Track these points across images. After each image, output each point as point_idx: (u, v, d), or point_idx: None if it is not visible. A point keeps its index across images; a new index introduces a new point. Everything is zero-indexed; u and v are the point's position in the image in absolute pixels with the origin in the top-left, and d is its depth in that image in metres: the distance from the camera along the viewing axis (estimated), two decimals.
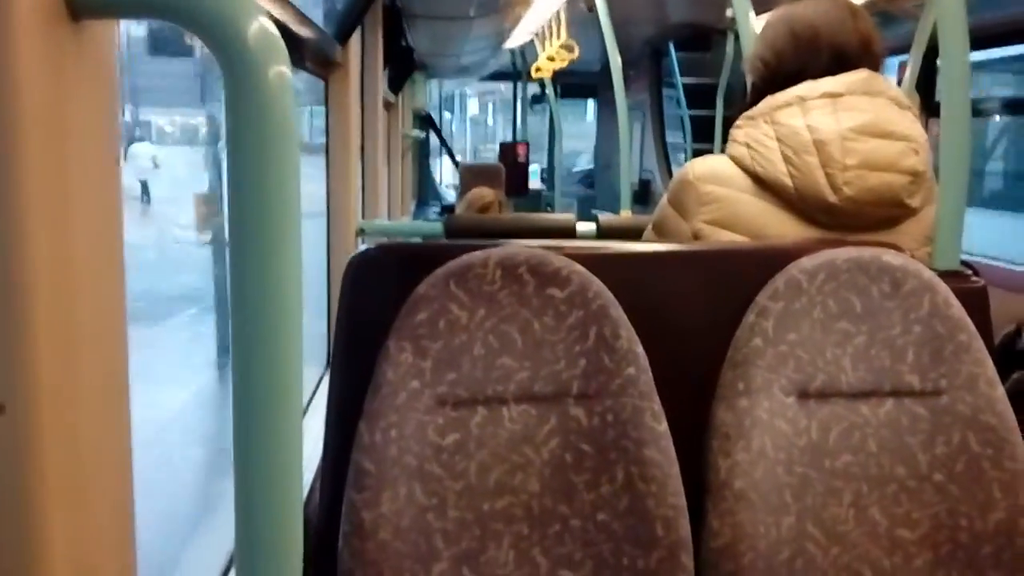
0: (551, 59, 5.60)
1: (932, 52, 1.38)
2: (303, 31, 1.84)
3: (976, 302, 1.15)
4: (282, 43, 0.51)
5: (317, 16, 2.41)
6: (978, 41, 1.49)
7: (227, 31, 0.49)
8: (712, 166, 1.33)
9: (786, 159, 1.24)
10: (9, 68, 0.45)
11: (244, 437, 0.50)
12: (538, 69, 6.14)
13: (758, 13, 2.11)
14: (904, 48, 3.25)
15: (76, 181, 0.51)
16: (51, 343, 0.48)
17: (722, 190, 1.29)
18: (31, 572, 0.47)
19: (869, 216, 1.25)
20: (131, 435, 0.59)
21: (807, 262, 1.11)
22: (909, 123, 1.27)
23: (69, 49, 0.51)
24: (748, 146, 1.29)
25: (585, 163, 12.02)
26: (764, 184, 1.27)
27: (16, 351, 0.46)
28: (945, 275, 1.15)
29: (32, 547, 0.47)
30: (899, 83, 3.36)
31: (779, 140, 1.26)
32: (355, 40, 2.49)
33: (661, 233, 1.39)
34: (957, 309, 1.11)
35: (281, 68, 0.50)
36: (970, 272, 1.30)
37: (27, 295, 0.46)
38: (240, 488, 0.51)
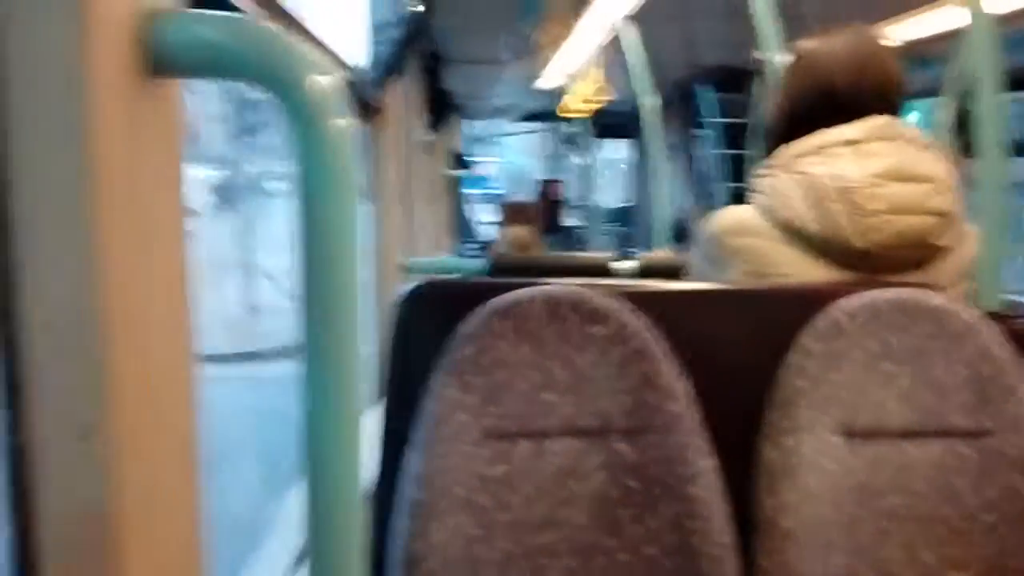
0: (587, 100, 5.67)
1: (964, 95, 1.39)
2: (346, 79, 1.90)
3: (1020, 343, 1.15)
4: (341, 96, 0.54)
5: (361, 63, 2.48)
6: (1011, 84, 1.50)
7: (293, 88, 0.52)
8: (738, 218, 1.34)
9: (810, 207, 1.25)
10: (91, 121, 0.49)
11: (313, 470, 0.54)
12: (569, 110, 6.22)
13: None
14: (936, 90, 3.26)
15: (149, 230, 0.55)
16: (127, 376, 0.51)
17: (751, 241, 1.30)
18: None
19: (896, 259, 1.25)
20: (197, 456, 0.63)
21: (847, 303, 1.12)
22: (931, 163, 1.26)
23: (144, 106, 0.54)
24: (772, 195, 1.30)
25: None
26: (791, 231, 1.28)
27: (97, 386, 0.49)
28: (990, 316, 1.16)
29: (114, 566, 0.50)
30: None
31: (802, 188, 1.26)
32: (396, 85, 2.56)
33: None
34: (1001, 349, 1.11)
35: (342, 120, 0.53)
36: (1013, 313, 1.30)
37: (106, 337, 0.50)
38: (311, 512, 0.55)
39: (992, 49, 1.34)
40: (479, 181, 9.95)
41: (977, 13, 1.33)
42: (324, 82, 0.53)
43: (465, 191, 10.75)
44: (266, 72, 0.53)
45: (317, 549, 0.55)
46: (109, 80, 0.50)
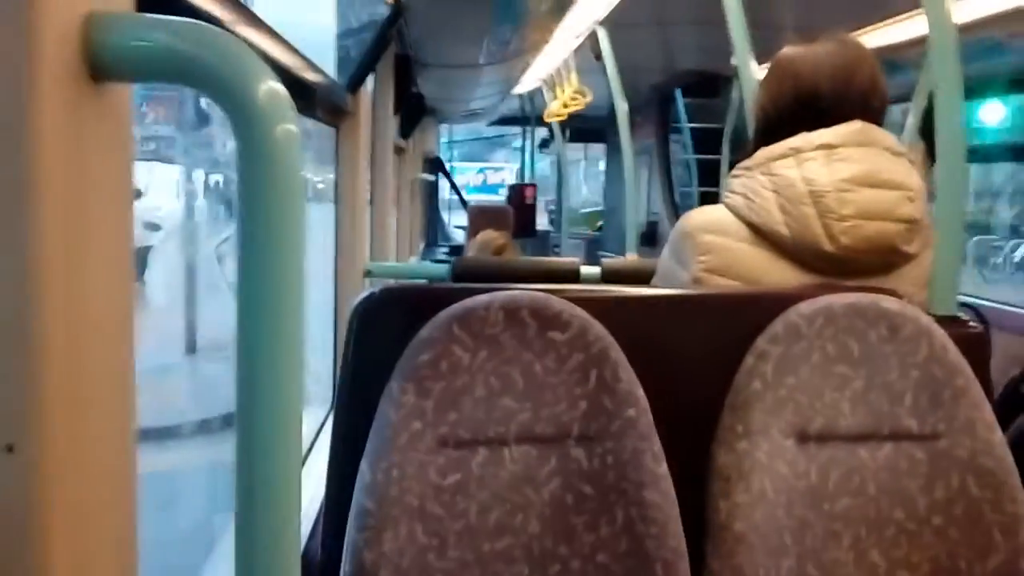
0: (565, 105, 5.69)
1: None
2: (313, 81, 1.89)
3: (974, 347, 1.17)
4: (289, 102, 0.54)
5: (329, 65, 2.47)
6: (971, 91, 1.52)
7: (237, 93, 0.52)
8: (709, 216, 1.35)
9: (782, 209, 1.27)
10: (32, 126, 0.48)
11: (245, 480, 0.52)
12: (552, 115, 6.23)
13: (760, 61, 2.16)
14: (907, 96, 3.30)
15: (92, 237, 0.54)
16: (59, 388, 0.50)
17: (719, 239, 1.31)
18: None
19: (865, 263, 1.27)
20: (136, 474, 0.61)
21: (805, 307, 1.13)
22: (904, 171, 1.29)
23: (89, 110, 0.54)
24: (745, 196, 1.31)
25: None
26: (761, 233, 1.29)
27: (25, 396, 0.48)
28: (943, 320, 1.17)
29: None
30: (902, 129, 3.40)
31: (775, 191, 1.28)
32: (366, 88, 2.55)
33: (663, 284, 1.41)
34: (954, 354, 1.12)
35: (288, 126, 0.53)
36: (968, 317, 1.32)
37: (40, 346, 0.49)
38: (240, 529, 0.53)
39: (953, 56, 1.35)
40: (455, 185, 9.91)
41: (937, 20, 1.35)
42: (270, 88, 0.52)
43: (443, 196, 10.74)
44: (211, 77, 0.53)
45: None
46: (51, 84, 0.49)
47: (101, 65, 0.53)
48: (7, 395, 0.48)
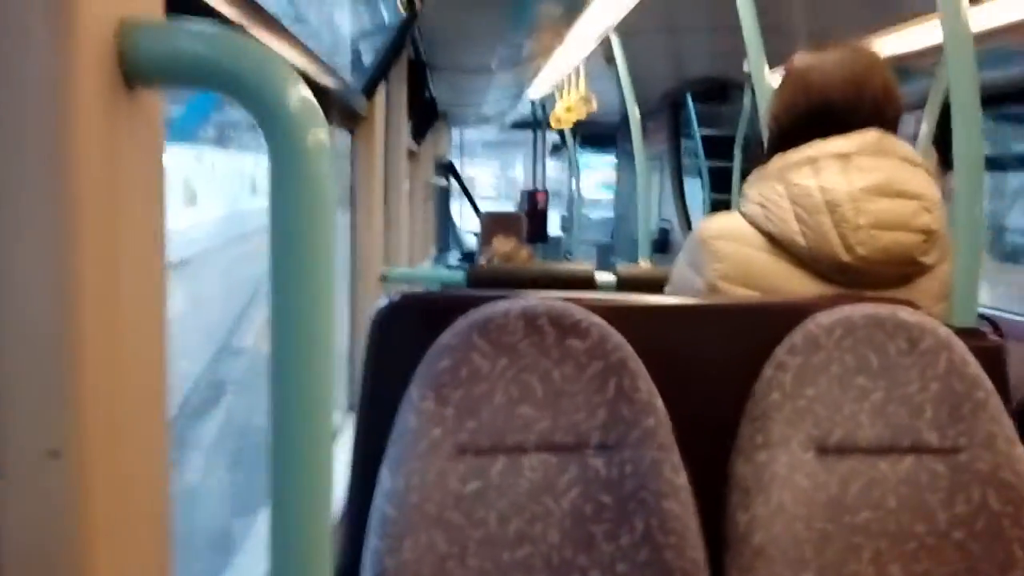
0: (569, 110, 5.70)
1: (948, 108, 1.41)
2: (331, 86, 1.90)
3: (993, 360, 1.16)
4: (319, 109, 0.54)
5: (343, 67, 2.48)
6: (990, 99, 1.51)
7: (268, 100, 0.52)
8: (725, 224, 1.35)
9: (798, 219, 1.26)
10: (70, 133, 0.49)
11: (279, 483, 0.53)
12: (558, 120, 6.24)
13: (772, 67, 2.16)
14: (920, 104, 3.29)
15: (126, 244, 0.54)
16: (99, 394, 0.51)
17: (735, 247, 1.30)
18: None
19: (882, 275, 1.26)
20: (170, 476, 0.62)
21: (824, 317, 1.12)
22: (921, 181, 1.28)
23: (123, 116, 0.54)
24: (761, 205, 1.31)
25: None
26: (777, 242, 1.29)
27: (68, 403, 0.49)
28: (962, 332, 1.16)
29: None
30: (914, 137, 3.39)
31: (791, 200, 1.27)
32: (381, 93, 2.56)
33: (677, 292, 1.40)
34: (974, 367, 1.11)
35: (319, 132, 0.53)
36: (987, 330, 1.31)
37: (79, 351, 0.49)
38: (274, 530, 0.53)
39: (970, 63, 1.35)
40: (467, 191, 9.91)
41: (953, 28, 1.35)
42: (300, 96, 0.53)
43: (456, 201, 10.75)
44: (242, 84, 0.53)
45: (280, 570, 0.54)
46: (87, 90, 0.50)
47: (135, 72, 0.54)
48: (50, 402, 0.48)
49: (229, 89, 0.54)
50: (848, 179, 1.25)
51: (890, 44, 3.08)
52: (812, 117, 1.33)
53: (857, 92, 1.32)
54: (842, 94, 1.32)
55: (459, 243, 10.12)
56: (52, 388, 0.48)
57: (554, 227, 9.80)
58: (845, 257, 1.24)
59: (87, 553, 0.50)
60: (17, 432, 0.49)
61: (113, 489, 0.52)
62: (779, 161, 1.32)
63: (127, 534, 0.54)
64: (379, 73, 2.50)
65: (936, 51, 2.78)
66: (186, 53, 0.53)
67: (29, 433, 0.49)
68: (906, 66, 3.48)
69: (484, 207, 9.10)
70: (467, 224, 11.09)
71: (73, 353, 0.49)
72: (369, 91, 2.46)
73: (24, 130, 0.48)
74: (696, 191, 6.89)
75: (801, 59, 1.39)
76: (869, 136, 1.29)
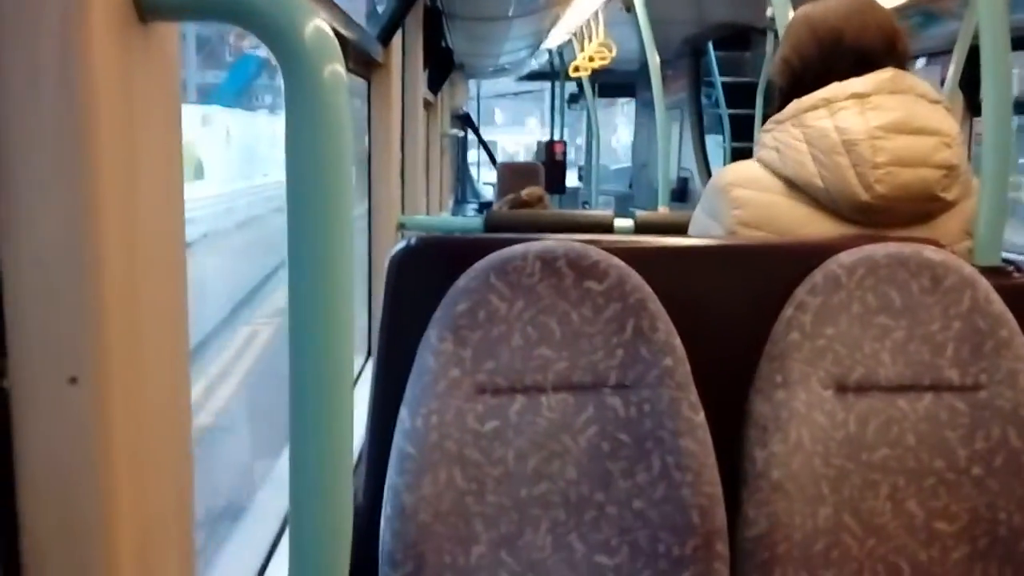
0: (591, 59, 5.63)
1: (975, 51, 1.38)
2: (347, 32, 1.88)
3: (1018, 298, 1.15)
4: (336, 43, 0.53)
5: (359, 17, 2.45)
6: (1020, 40, 1.48)
7: (285, 33, 0.52)
8: (742, 172, 1.34)
9: (816, 160, 1.25)
10: (85, 67, 0.49)
11: (299, 419, 0.53)
12: (576, 69, 6.17)
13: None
14: (948, 47, 3.22)
15: (143, 174, 0.55)
16: (118, 321, 0.51)
17: (754, 194, 1.30)
18: (102, 531, 0.51)
19: (903, 212, 1.25)
20: (190, 406, 0.63)
21: (846, 257, 1.12)
22: (940, 117, 1.27)
23: (137, 49, 0.54)
24: (777, 150, 1.30)
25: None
26: (795, 186, 1.28)
27: (88, 328, 0.49)
28: (986, 271, 1.16)
29: (101, 510, 0.50)
30: (942, 82, 3.33)
31: (808, 142, 1.26)
32: (396, 41, 2.53)
33: None
34: (998, 305, 1.11)
35: (336, 66, 0.53)
36: (1012, 268, 1.30)
37: (97, 279, 0.50)
38: (294, 467, 0.54)
39: (999, 4, 1.32)
40: (484, 142, 9.86)
41: None
42: (317, 29, 0.52)
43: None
44: (259, 17, 0.52)
45: (300, 516, 0.54)
46: (101, 23, 0.49)
47: (149, 4, 0.53)
48: (70, 329, 0.49)
49: (245, 21, 0.53)
50: (865, 118, 1.24)
51: None
52: (823, 53, 1.32)
53: (862, 21, 1.31)
54: (847, 23, 1.32)
55: (476, 195, 10.10)
56: (71, 315, 0.49)
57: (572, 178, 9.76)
58: (864, 196, 1.23)
59: (106, 478, 0.50)
60: (37, 359, 0.49)
61: (133, 416, 0.52)
62: (794, 105, 1.31)
63: (147, 461, 0.55)
64: (396, 19, 2.47)
65: None
66: None
67: (49, 360, 0.49)
68: (931, 9, 3.41)
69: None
70: (485, 177, 11.05)
71: (92, 281, 0.49)
72: (385, 38, 2.43)
73: (39, 65, 0.48)
74: (716, 139, 6.83)
75: (806, 6, 1.39)
76: (884, 75, 1.28)
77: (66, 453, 0.50)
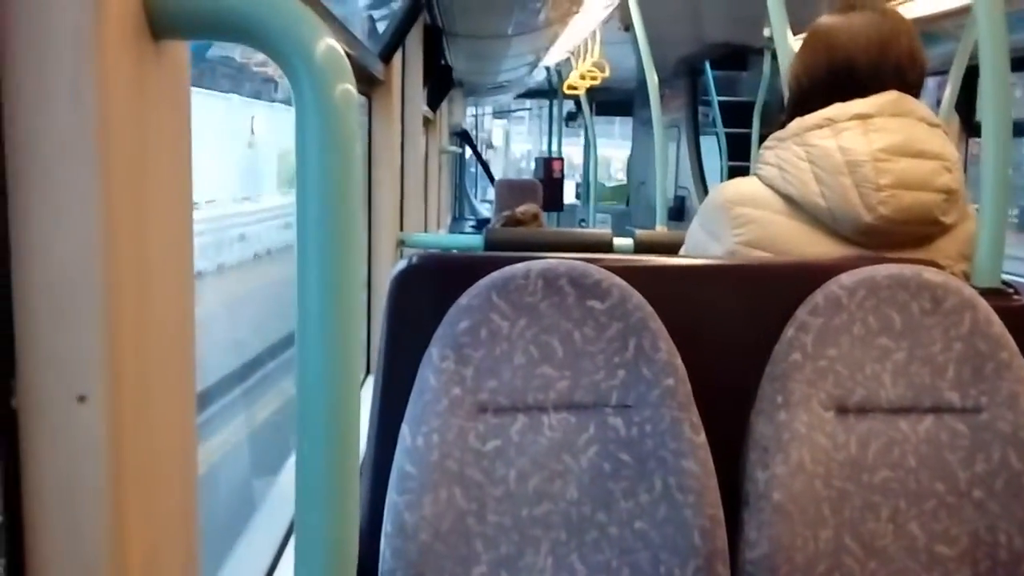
0: (583, 77, 5.66)
1: (972, 72, 1.39)
2: (350, 49, 1.89)
3: (1018, 320, 1.15)
4: (346, 61, 0.54)
5: (360, 34, 2.47)
6: (1019, 61, 1.49)
7: (296, 52, 0.52)
8: (743, 189, 1.34)
9: (818, 180, 1.25)
10: (98, 84, 0.49)
11: (306, 432, 0.53)
12: (571, 87, 6.20)
13: (795, 32, 2.13)
14: (944, 68, 3.24)
15: (153, 192, 0.55)
16: (127, 340, 0.51)
17: (755, 212, 1.30)
18: (108, 551, 0.50)
19: (903, 234, 1.25)
20: (195, 426, 0.63)
21: (847, 278, 1.12)
22: (940, 141, 1.27)
23: (150, 67, 0.54)
24: (779, 167, 1.30)
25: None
26: (796, 205, 1.28)
27: (96, 347, 0.49)
28: (986, 293, 1.16)
29: (109, 528, 0.50)
30: (938, 103, 3.35)
31: (811, 161, 1.26)
32: (397, 58, 2.54)
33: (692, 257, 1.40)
34: (998, 327, 1.11)
35: (347, 85, 0.53)
36: (1011, 290, 1.30)
37: (106, 298, 0.50)
38: (300, 479, 0.54)
39: (1001, 23, 1.33)
40: (482, 159, 9.89)
41: None
42: (329, 48, 0.52)
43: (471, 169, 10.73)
44: (271, 36, 0.53)
45: (306, 521, 0.54)
46: (115, 41, 0.50)
47: (162, 22, 0.53)
48: (80, 346, 0.49)
49: (256, 41, 0.53)
50: (868, 139, 1.24)
51: (917, 6, 3.03)
52: (834, 79, 1.31)
53: (881, 54, 1.30)
54: (866, 56, 1.30)
55: (474, 212, 10.12)
56: (80, 334, 0.49)
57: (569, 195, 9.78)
58: (867, 217, 1.23)
59: (114, 497, 0.50)
60: (46, 378, 0.49)
61: (141, 435, 0.52)
62: (797, 123, 1.31)
63: (154, 479, 0.55)
64: (397, 37, 2.48)
65: (962, 13, 2.73)
66: (213, 4, 0.53)
67: (58, 379, 0.49)
68: (927, 30, 3.43)
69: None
70: (481, 193, 11.07)
71: (101, 300, 0.49)
72: (386, 56, 2.44)
73: (52, 82, 0.48)
74: (713, 159, 6.85)
75: (826, 20, 1.37)
76: (888, 97, 1.28)
77: (74, 472, 0.49)
